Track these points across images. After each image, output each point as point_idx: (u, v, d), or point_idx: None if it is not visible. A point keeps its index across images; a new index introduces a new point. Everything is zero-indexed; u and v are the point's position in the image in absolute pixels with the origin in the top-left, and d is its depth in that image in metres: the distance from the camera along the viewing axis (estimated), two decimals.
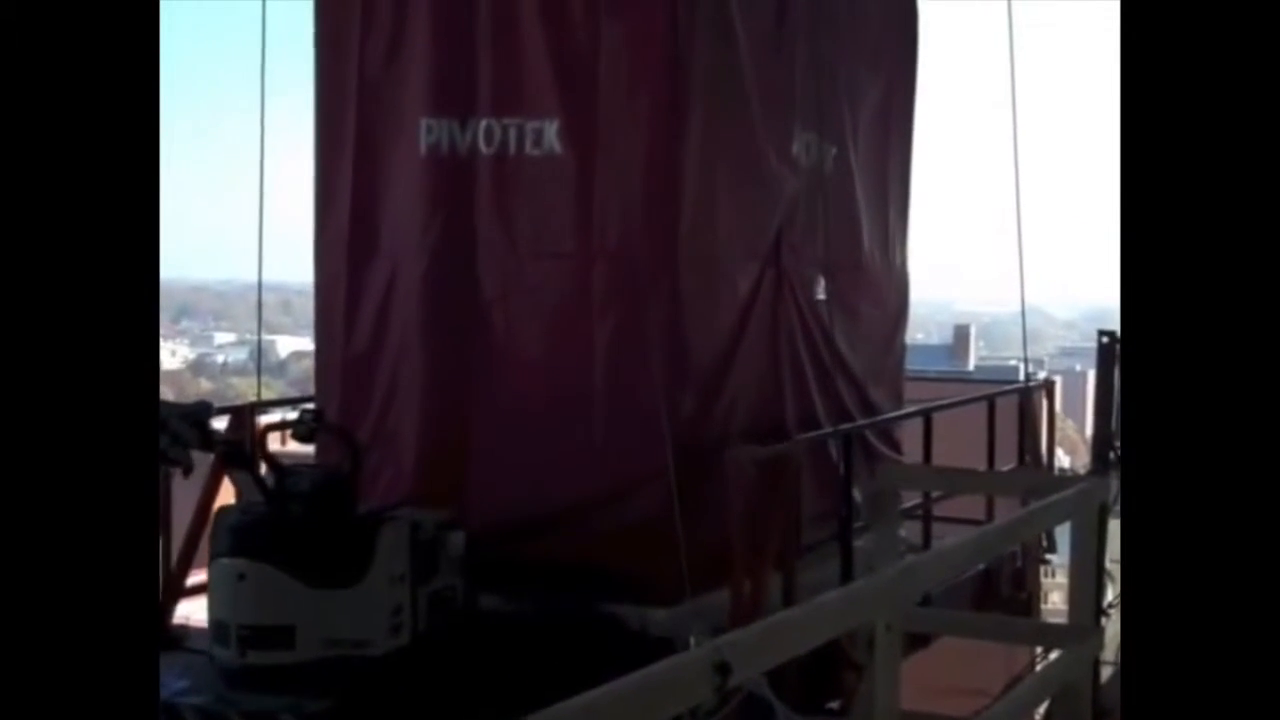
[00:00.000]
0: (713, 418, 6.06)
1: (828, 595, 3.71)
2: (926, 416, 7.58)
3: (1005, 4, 8.17)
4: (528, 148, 6.01)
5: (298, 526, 5.20)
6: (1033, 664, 7.78)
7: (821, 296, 7.08)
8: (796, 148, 6.82)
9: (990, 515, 7.97)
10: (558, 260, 6.01)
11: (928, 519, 7.55)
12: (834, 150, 7.19)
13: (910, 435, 7.69)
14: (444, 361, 6.13)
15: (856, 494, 6.87)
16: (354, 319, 6.28)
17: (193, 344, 68.47)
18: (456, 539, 5.55)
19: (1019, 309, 9.20)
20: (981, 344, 62.65)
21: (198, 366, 62.60)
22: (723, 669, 2.71)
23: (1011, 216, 8.40)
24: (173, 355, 61.47)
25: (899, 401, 8.05)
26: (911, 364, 9.14)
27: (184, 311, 72.12)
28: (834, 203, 7.17)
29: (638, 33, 5.92)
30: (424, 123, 6.14)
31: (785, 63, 6.72)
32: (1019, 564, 8.44)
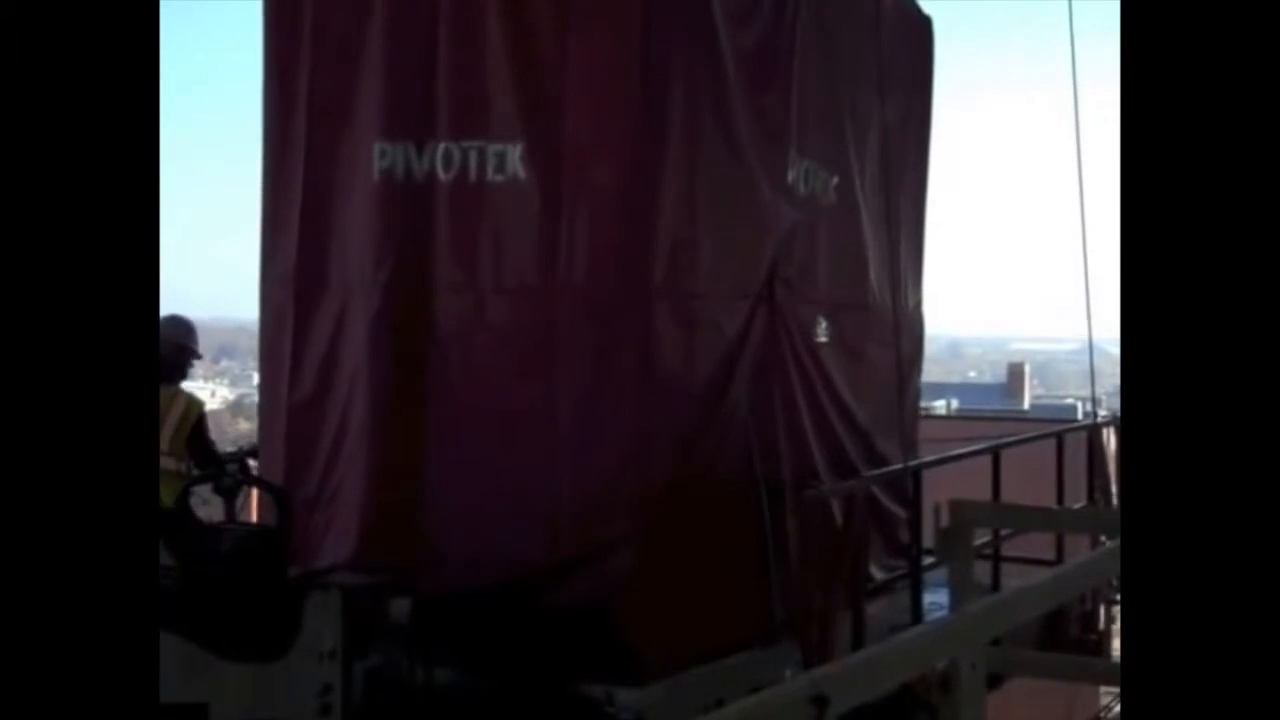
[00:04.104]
0: (693, 473, 5.49)
1: (921, 627, 3.95)
2: (995, 454, 7.39)
3: (1068, 30, 7.66)
4: (489, 173, 5.52)
5: (212, 592, 4.68)
6: (1100, 709, 8.00)
7: (822, 338, 6.54)
8: (793, 176, 6.27)
9: (1060, 561, 7.70)
10: (521, 295, 5.50)
11: (997, 560, 7.35)
12: (836, 180, 6.65)
13: (976, 475, 7.41)
14: (396, 408, 5.61)
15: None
16: (300, 360, 5.79)
17: (233, 384, 68.47)
18: (400, 606, 5.09)
19: (1074, 347, 9.07)
20: (1036, 382, 61.73)
21: (237, 407, 62.58)
22: (819, 701, 2.70)
23: (1069, 253, 8.16)
24: (213, 396, 61.49)
25: (913, 454, 7.48)
26: (965, 403, 9.08)
27: (225, 351, 72.27)
28: (836, 236, 6.64)
29: (609, 49, 5.43)
30: (378, 146, 5.65)
31: (780, 84, 6.17)
32: (1088, 606, 8.24)
